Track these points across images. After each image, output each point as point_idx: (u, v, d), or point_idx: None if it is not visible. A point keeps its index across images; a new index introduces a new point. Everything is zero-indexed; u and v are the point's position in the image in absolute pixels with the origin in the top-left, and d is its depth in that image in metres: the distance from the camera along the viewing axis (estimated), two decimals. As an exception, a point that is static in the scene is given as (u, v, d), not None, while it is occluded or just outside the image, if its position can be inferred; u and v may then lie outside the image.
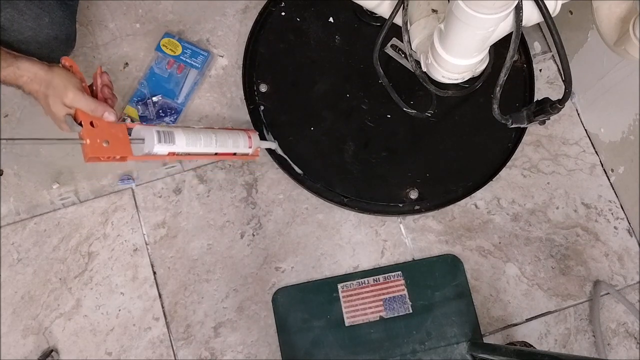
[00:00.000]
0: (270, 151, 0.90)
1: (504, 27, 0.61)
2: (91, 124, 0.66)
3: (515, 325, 0.88)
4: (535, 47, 1.01)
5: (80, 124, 0.65)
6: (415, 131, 0.92)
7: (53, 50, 0.74)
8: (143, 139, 0.70)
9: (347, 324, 0.86)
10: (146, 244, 0.90)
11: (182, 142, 0.72)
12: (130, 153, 0.68)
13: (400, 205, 0.89)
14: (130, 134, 0.70)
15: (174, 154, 0.72)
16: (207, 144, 0.75)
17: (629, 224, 0.93)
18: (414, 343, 0.85)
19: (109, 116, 0.68)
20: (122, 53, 0.97)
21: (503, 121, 0.68)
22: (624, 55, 0.66)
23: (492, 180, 0.90)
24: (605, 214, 0.94)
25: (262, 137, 0.90)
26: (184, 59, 0.94)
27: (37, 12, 0.71)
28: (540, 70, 0.99)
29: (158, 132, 0.70)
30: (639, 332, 0.89)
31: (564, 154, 0.96)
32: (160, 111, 0.93)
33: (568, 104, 0.97)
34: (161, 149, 0.70)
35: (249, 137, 0.82)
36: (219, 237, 0.90)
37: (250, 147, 0.81)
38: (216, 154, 0.78)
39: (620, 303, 0.88)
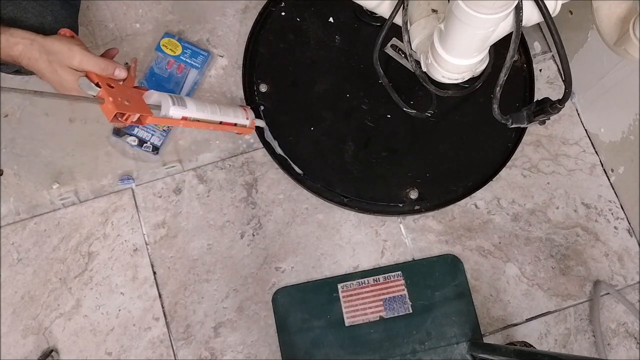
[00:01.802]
0: (271, 151, 0.90)
1: (504, 27, 0.61)
2: (111, 87, 0.65)
3: (515, 325, 0.88)
4: (535, 47, 1.01)
5: (98, 85, 0.64)
6: (415, 131, 0.92)
7: None
8: (156, 104, 0.71)
9: (347, 324, 0.86)
10: (146, 244, 0.90)
11: (193, 107, 0.75)
12: (150, 113, 0.69)
13: (400, 205, 0.89)
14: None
15: (186, 118, 0.74)
16: (213, 112, 0.78)
17: (629, 224, 0.93)
18: (414, 343, 0.85)
19: (121, 73, 0.67)
20: (122, 53, 0.96)
21: (503, 121, 0.68)
22: (624, 55, 0.66)
23: (492, 180, 0.90)
24: (605, 214, 0.94)
25: (262, 137, 0.91)
26: (184, 59, 0.94)
27: (39, 10, 0.71)
28: (540, 70, 0.99)
29: (171, 96, 0.72)
30: (639, 332, 0.89)
31: (564, 154, 0.96)
32: (160, 111, 0.93)
33: (568, 104, 0.97)
34: (176, 112, 0.72)
35: (245, 110, 0.85)
36: (219, 237, 0.90)
37: (247, 119, 0.84)
38: (221, 122, 0.80)
39: (620, 303, 0.88)
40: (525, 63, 0.95)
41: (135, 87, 0.72)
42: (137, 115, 0.67)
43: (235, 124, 0.83)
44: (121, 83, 0.69)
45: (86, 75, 0.65)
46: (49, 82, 0.67)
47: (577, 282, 0.90)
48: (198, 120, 0.76)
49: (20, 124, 0.94)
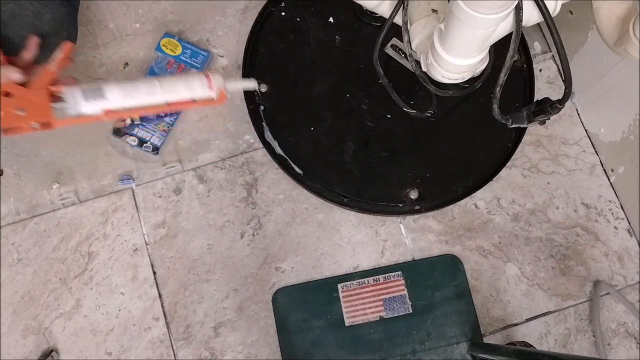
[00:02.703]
0: (271, 151, 0.90)
1: (504, 27, 0.61)
2: (7, 94, 0.60)
3: (515, 325, 0.88)
4: (535, 47, 1.01)
5: None
6: (415, 131, 0.92)
7: (53, 48, 0.74)
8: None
9: (347, 324, 0.86)
10: (146, 244, 0.90)
11: (116, 96, 0.63)
12: (51, 117, 0.62)
13: (400, 205, 0.89)
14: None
15: (111, 111, 0.63)
16: (150, 93, 0.65)
17: (629, 224, 0.93)
18: (414, 343, 0.85)
19: (13, 75, 0.61)
20: (122, 53, 0.97)
21: (503, 121, 0.68)
22: (624, 55, 0.66)
23: (492, 180, 0.90)
24: (605, 214, 0.94)
25: (262, 137, 0.90)
26: (184, 59, 0.94)
27: (38, 8, 0.71)
28: (540, 70, 0.99)
29: (83, 90, 0.62)
30: (639, 332, 0.89)
31: (564, 154, 0.96)
32: (160, 111, 0.93)
33: (568, 104, 0.97)
34: (91, 108, 0.62)
35: (208, 78, 0.65)
36: (219, 237, 0.90)
37: (210, 89, 0.66)
38: (168, 104, 0.66)
39: (620, 303, 0.88)
40: (525, 63, 0.95)
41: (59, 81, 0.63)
42: (37, 124, 0.61)
43: (195, 100, 0.67)
44: (28, 85, 0.62)
45: None
46: None
47: (577, 282, 0.90)
48: (130, 109, 0.64)
49: (20, 124, 0.93)
